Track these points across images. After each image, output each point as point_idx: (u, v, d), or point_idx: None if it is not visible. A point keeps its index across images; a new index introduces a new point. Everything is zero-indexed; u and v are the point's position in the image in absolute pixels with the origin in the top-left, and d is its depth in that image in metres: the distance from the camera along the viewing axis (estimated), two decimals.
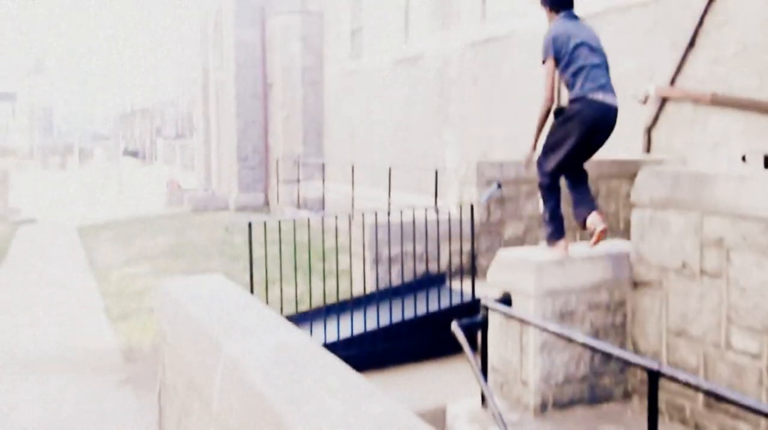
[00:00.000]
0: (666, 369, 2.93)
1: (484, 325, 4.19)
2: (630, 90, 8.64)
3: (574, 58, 4.43)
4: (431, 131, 13.14)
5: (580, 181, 4.65)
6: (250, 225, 4.78)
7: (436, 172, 10.07)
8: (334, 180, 17.13)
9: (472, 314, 5.52)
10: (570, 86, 4.47)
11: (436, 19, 13.03)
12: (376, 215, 6.21)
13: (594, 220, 4.36)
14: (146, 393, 4.93)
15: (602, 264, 4.31)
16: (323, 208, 14.97)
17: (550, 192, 4.53)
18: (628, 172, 7.52)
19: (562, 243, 4.38)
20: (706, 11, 7.61)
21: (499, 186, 5.62)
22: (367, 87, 15.79)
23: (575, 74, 4.41)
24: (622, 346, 4.32)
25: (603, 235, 4.32)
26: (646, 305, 4.25)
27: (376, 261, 6.23)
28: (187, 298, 3.27)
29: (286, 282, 8.02)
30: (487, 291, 5.71)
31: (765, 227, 3.53)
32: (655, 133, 8.33)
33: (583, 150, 4.51)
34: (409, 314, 5.24)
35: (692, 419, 3.90)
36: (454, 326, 4.01)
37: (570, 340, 3.65)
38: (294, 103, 18.26)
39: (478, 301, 5.54)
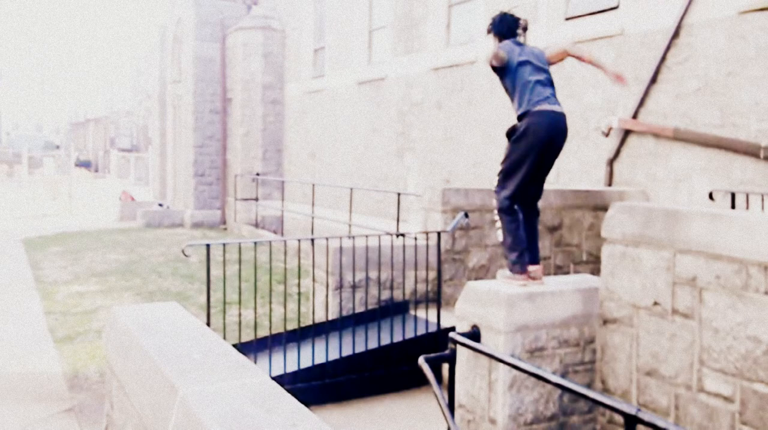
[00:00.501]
0: (644, 415, 2.82)
1: (452, 360, 4.05)
2: (593, 122, 8.72)
3: (518, 74, 4.52)
4: (394, 155, 13.06)
5: (531, 218, 4.65)
6: (208, 247, 4.55)
7: (399, 197, 9.96)
8: (293, 200, 16.90)
9: (437, 344, 5.39)
10: (518, 104, 4.53)
11: (400, 43, 13.01)
12: (340, 239, 6.05)
13: (537, 272, 4.39)
14: (91, 425, 4.62)
15: (572, 299, 4.22)
16: (282, 228, 14.70)
17: (511, 215, 4.47)
18: (591, 203, 7.54)
19: (523, 276, 4.28)
20: (668, 47, 7.73)
21: (466, 215, 5.52)
22: (329, 107, 15.67)
23: (521, 90, 4.51)
24: (591, 384, 4.23)
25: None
26: (615, 343, 4.17)
27: (340, 287, 6.05)
28: (138, 329, 3.04)
29: (244, 305, 7.77)
30: (452, 322, 5.58)
31: (739, 268, 3.49)
32: (617, 166, 8.39)
33: (540, 163, 4.51)
34: (372, 343, 5.06)
35: None
36: (422, 361, 3.85)
37: (541, 379, 3.54)
38: (254, 120, 18.01)
39: (444, 331, 5.41)
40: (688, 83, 7.55)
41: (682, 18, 7.57)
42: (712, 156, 7.27)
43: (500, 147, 10.29)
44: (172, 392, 2.19)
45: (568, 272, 7.33)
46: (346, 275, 6.08)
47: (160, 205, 20.52)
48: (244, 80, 18.00)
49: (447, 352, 4.04)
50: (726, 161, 7.13)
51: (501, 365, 3.89)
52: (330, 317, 5.99)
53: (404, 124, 12.75)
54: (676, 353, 3.80)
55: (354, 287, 6.06)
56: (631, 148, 8.22)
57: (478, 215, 6.74)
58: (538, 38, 9.58)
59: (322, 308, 6.19)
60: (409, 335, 5.17)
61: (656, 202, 7.74)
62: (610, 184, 8.40)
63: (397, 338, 5.15)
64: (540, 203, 7.10)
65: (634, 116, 8.11)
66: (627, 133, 8.24)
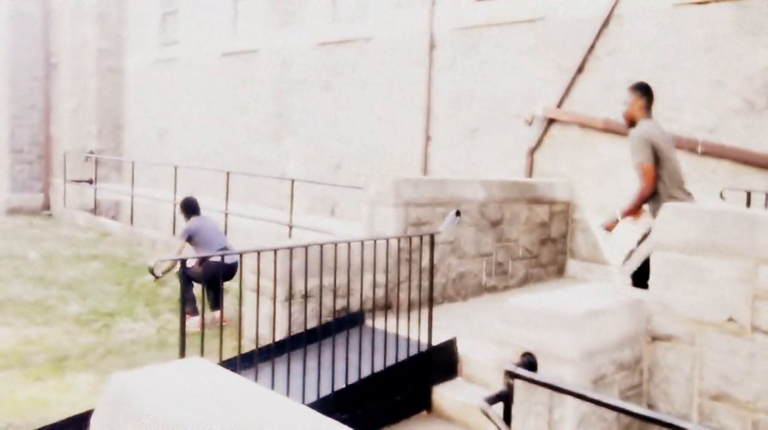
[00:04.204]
0: None
1: (508, 397, 3.31)
2: (512, 109, 8.34)
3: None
4: (270, 138, 11.88)
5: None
6: (183, 262, 3.36)
7: (293, 184, 8.95)
8: (137, 184, 15.00)
9: (428, 364, 4.60)
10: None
11: (275, 14, 11.84)
12: (292, 245, 5.03)
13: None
14: None
15: (625, 316, 3.67)
16: (131, 215, 12.89)
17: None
18: (527, 196, 7.15)
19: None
20: (597, 36, 7.52)
21: (458, 214, 4.79)
22: (185, 80, 14.00)
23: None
24: None
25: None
26: (670, 363, 3.69)
27: (289, 298, 5.04)
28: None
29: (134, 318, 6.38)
30: (439, 336, 4.83)
31: None
32: (537, 156, 8.10)
33: None
34: (365, 369, 4.14)
35: None
36: (485, 407, 3.08)
37: (629, 413, 2.94)
38: (87, 92, 15.72)
39: (435, 349, 4.65)
40: (618, 74, 7.39)
41: (613, 7, 7.38)
42: None
43: (395, 132, 9.63)
44: None
45: (507, 270, 6.88)
46: (297, 282, 5.08)
47: None
48: (74, 45, 15.62)
49: (504, 389, 3.30)
50: None
51: (569, 399, 3.24)
52: (278, 334, 4.99)
53: (282, 105, 11.62)
54: (756, 376, 3.39)
55: (305, 296, 5.09)
56: (554, 138, 7.96)
57: (430, 208, 6.04)
58: (444, 20, 9.02)
59: (268, 322, 5.15)
60: (402, 355, 4.33)
61: (584, 194, 7.55)
62: (530, 175, 8.10)
63: (390, 361, 4.28)
64: (482, 195, 6.56)
65: (559, 105, 7.84)
66: (550, 122, 7.96)
